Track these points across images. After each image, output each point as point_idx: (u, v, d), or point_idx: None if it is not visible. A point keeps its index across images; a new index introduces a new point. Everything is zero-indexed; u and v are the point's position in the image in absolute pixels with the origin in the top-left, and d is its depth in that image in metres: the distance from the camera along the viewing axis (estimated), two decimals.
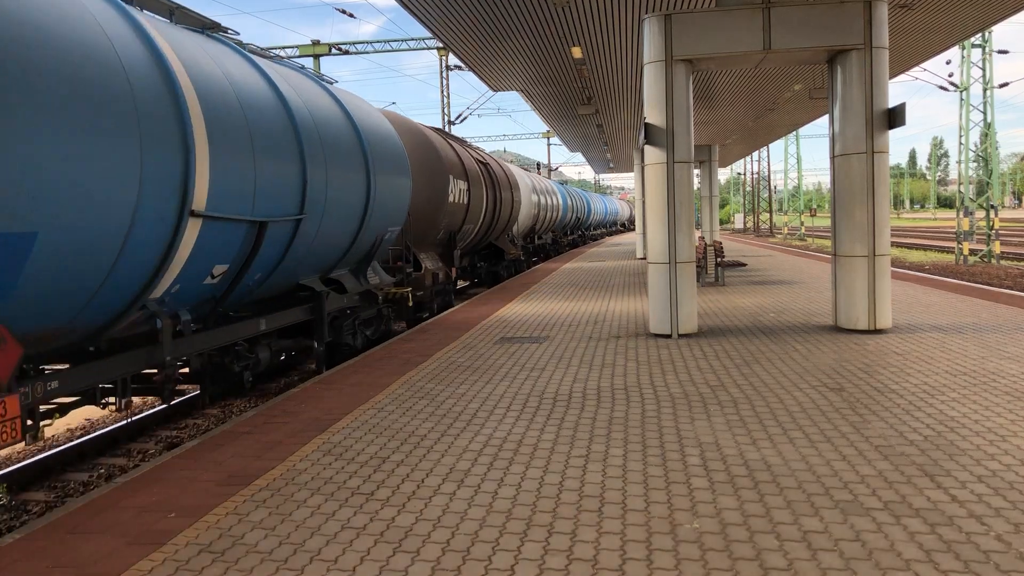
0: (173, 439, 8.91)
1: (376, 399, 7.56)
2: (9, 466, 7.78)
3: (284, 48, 33.99)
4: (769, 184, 72.27)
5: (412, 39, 35.26)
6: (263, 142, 7.62)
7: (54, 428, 9.69)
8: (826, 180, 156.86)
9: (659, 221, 10.86)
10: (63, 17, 5.28)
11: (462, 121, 38.36)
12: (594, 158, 44.05)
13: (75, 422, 10.01)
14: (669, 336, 10.84)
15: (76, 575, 3.87)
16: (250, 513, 4.63)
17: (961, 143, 32.99)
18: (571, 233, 47.06)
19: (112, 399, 7.07)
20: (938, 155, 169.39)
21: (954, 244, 34.82)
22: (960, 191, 33.64)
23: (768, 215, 71.22)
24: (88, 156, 5.16)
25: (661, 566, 3.74)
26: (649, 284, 11.13)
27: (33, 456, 8.33)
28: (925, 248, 43.33)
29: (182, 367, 7.60)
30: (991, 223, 32.29)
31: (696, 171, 32.95)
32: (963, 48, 32.37)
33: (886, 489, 4.65)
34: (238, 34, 8.97)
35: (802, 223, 65.77)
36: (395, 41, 35.57)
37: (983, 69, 32.28)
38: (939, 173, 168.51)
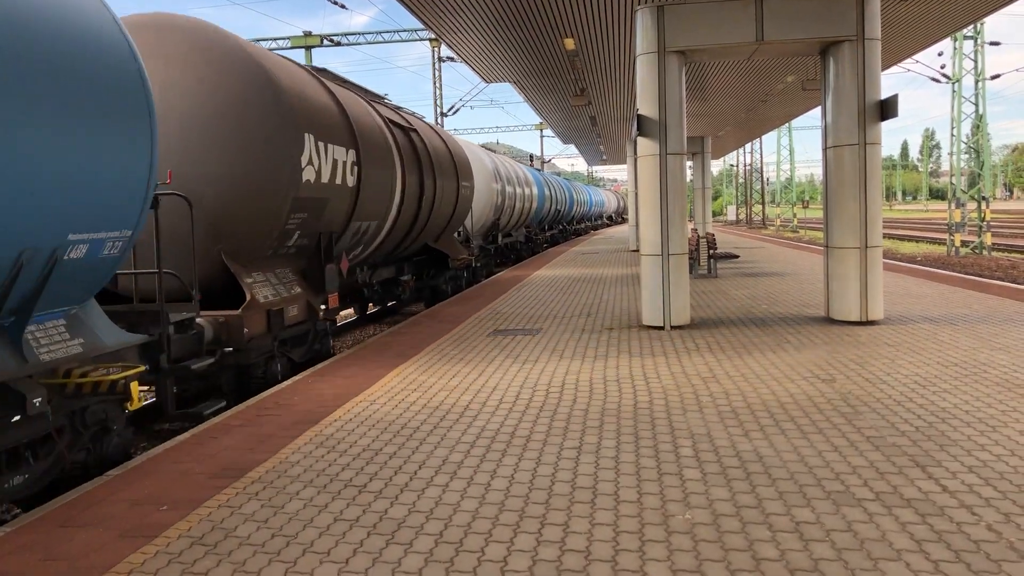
0: (165, 431, 8.88)
1: (369, 391, 7.55)
2: None
3: (276, 40, 33.81)
4: (762, 176, 72.35)
5: (404, 30, 35.11)
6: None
7: None
8: (818, 172, 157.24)
9: (652, 213, 10.86)
10: None
11: (455, 113, 38.23)
12: (587, 150, 44.00)
13: None
14: (662, 328, 10.85)
15: (68, 568, 3.86)
16: (243, 506, 4.63)
17: (953, 135, 33.07)
18: (550, 228, 41.56)
19: None
20: (930, 147, 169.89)
21: (946, 236, 34.93)
22: (952, 183, 33.73)
23: (761, 207, 71.32)
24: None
25: (654, 557, 3.75)
26: (642, 276, 11.13)
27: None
28: (917, 240, 43.47)
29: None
30: (982, 215, 32.40)
31: (689, 163, 32.98)
32: (955, 40, 32.42)
33: (878, 480, 4.67)
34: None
35: (794, 215, 65.86)
36: (387, 32, 35.41)
37: (975, 61, 32.33)
38: (931, 165, 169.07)
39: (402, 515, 4.39)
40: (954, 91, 32.64)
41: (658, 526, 4.11)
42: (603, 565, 3.68)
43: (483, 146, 28.68)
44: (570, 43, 14.95)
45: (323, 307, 9.96)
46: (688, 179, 28.44)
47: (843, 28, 10.37)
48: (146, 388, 8.71)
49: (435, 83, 38.91)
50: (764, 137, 66.23)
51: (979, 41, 32.20)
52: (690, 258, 17.46)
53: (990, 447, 5.20)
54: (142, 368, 5.68)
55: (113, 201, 5.44)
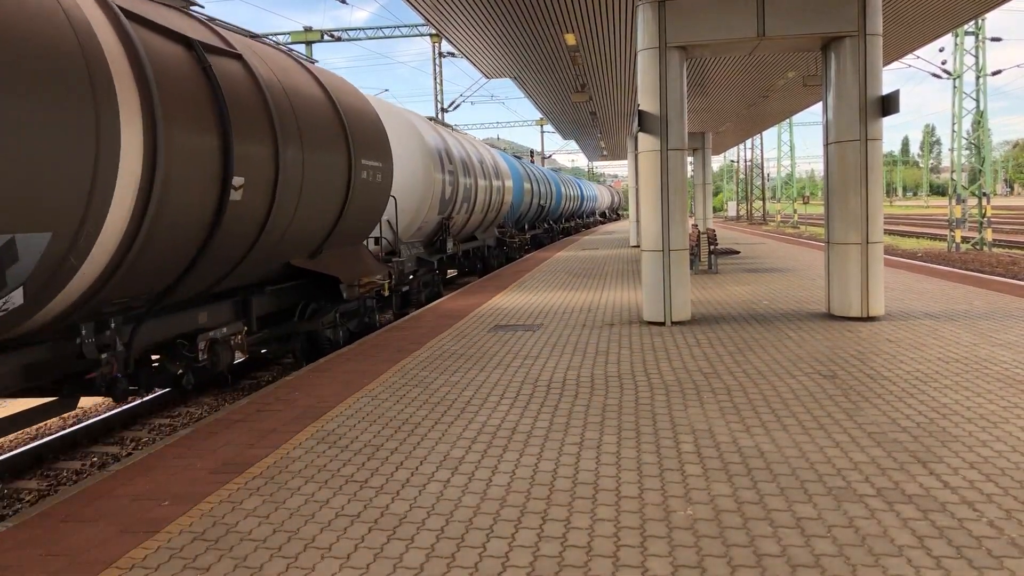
0: (166, 427, 8.89)
1: (370, 387, 7.55)
2: (2, 454, 7.76)
3: (276, 35, 33.76)
4: (762, 172, 72.29)
5: (405, 25, 35.08)
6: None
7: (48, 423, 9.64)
8: (819, 168, 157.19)
9: (652, 209, 10.85)
10: None
11: (455, 108, 38.20)
12: (588, 146, 43.96)
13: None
14: (662, 324, 10.85)
15: (69, 563, 3.86)
16: (244, 501, 4.63)
17: (954, 131, 33.03)
18: (533, 227, 35.04)
19: None
20: (931, 143, 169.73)
21: (946, 232, 34.91)
22: (953, 179, 33.70)
23: (761, 203, 71.29)
24: None
25: (655, 552, 3.75)
26: (642, 272, 11.13)
27: (26, 445, 8.31)
28: (918, 236, 43.45)
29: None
30: (983, 211, 32.38)
31: (689, 159, 32.93)
32: (956, 35, 32.36)
33: (879, 476, 4.67)
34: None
35: (795, 211, 65.83)
36: (388, 27, 35.37)
37: (976, 56, 32.28)
38: (932, 161, 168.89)
39: (403, 511, 4.39)
40: (955, 87, 32.60)
41: (660, 522, 4.11)
42: (604, 560, 3.68)
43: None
44: (571, 38, 14.93)
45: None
46: (689, 175, 28.33)
47: (844, 23, 10.35)
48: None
49: (436, 79, 38.85)
50: (765, 133, 66.14)
51: (980, 37, 32.15)
52: (691, 254, 17.45)
53: (991, 443, 5.20)
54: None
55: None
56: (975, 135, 33.27)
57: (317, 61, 11.11)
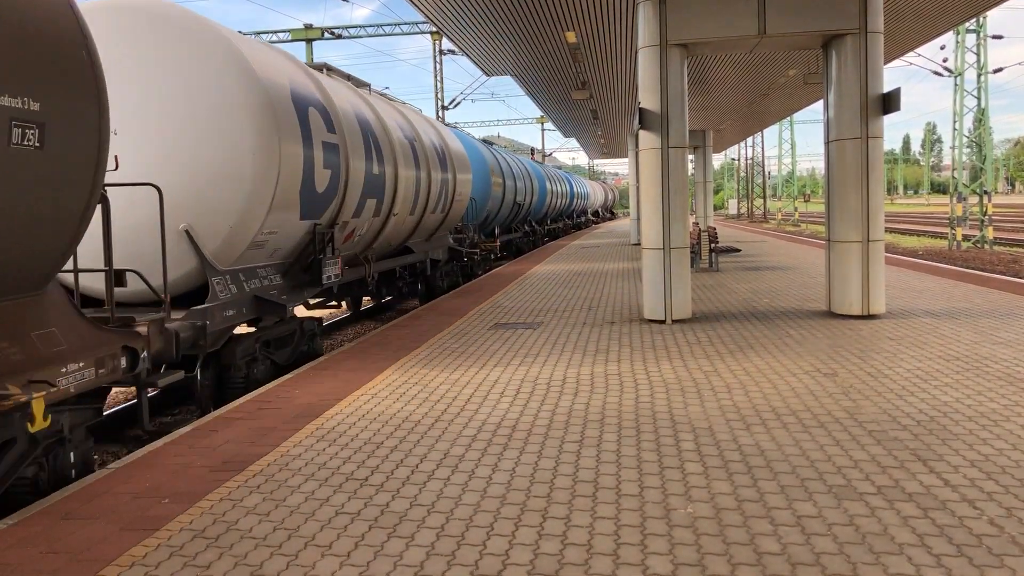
0: (166, 425, 8.89)
1: (370, 384, 7.55)
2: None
3: (276, 32, 33.75)
4: (763, 170, 72.27)
5: (405, 23, 35.05)
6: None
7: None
8: (820, 166, 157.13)
9: (653, 206, 10.84)
10: None
11: (456, 106, 38.18)
12: (588, 143, 43.95)
13: None
14: (663, 322, 10.85)
15: (69, 561, 3.86)
16: (244, 499, 4.63)
17: (955, 129, 33.01)
18: (510, 231, 28.50)
19: None
20: (932, 141, 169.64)
21: (947, 230, 34.90)
22: (954, 177, 33.68)
23: (762, 201, 71.26)
24: None
25: (655, 550, 3.75)
26: (643, 270, 11.12)
27: None
28: (919, 234, 43.43)
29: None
30: (984, 209, 32.36)
31: (690, 156, 32.92)
32: (958, 33, 32.33)
33: (879, 474, 4.67)
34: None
35: (796, 209, 65.80)
36: (388, 25, 35.35)
37: (978, 54, 32.25)
38: (933, 159, 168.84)
39: (404, 509, 4.39)
40: (956, 85, 32.58)
41: (660, 519, 4.11)
42: (604, 559, 3.68)
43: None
44: (572, 36, 14.92)
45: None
46: (689, 173, 28.29)
47: (846, 21, 10.33)
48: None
49: (436, 76, 38.83)
50: (766, 131, 66.14)
51: (982, 34, 32.12)
52: (691, 252, 17.45)
53: (992, 441, 5.19)
54: None
55: None
56: (976, 133, 33.25)
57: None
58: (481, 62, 17.77)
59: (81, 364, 5.24)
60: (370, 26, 34.88)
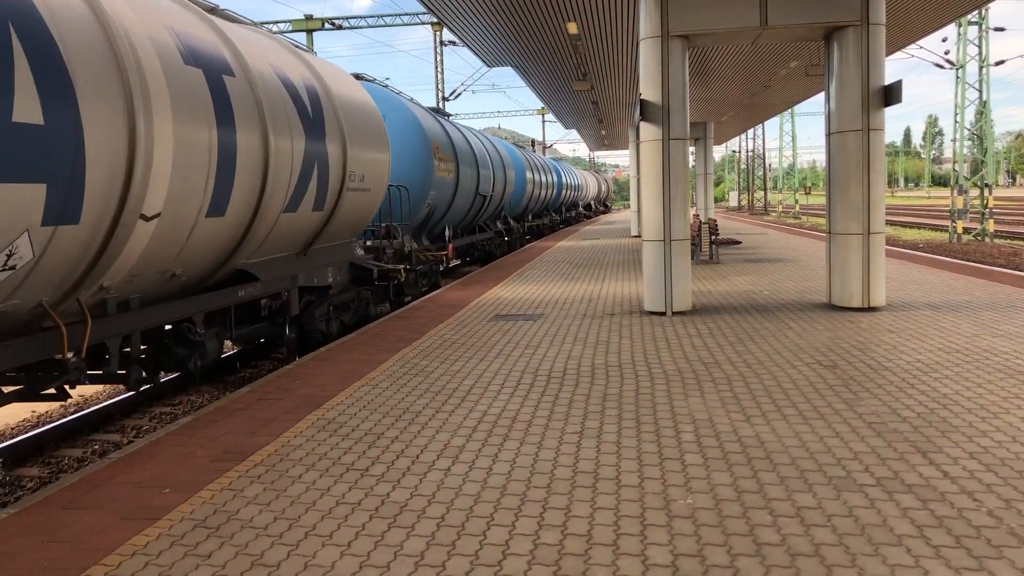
0: (167, 415, 8.90)
1: (371, 376, 7.56)
2: (4, 441, 7.78)
3: (277, 23, 33.65)
4: (764, 162, 72.17)
5: (406, 14, 34.95)
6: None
7: (47, 405, 9.67)
8: (820, 158, 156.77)
9: (654, 198, 10.83)
10: None
11: (456, 97, 38.11)
12: (589, 135, 43.87)
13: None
14: (663, 314, 10.85)
15: (70, 550, 3.87)
16: (245, 489, 4.64)
17: (956, 121, 32.95)
18: (475, 229, 22.20)
19: None
20: (933, 133, 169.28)
21: (948, 222, 34.87)
22: (955, 169, 33.64)
23: (763, 193, 71.19)
24: None
25: (655, 541, 3.75)
26: (643, 262, 11.12)
27: (28, 432, 8.32)
28: (919, 226, 43.39)
29: None
30: (985, 202, 32.33)
31: (691, 148, 32.86)
32: (959, 25, 32.23)
33: (879, 465, 4.67)
34: None
35: (796, 201, 65.73)
36: (389, 16, 35.24)
37: (979, 47, 32.16)
38: (934, 151, 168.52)
39: (404, 499, 4.40)
40: (958, 77, 32.49)
41: (659, 510, 4.12)
42: (604, 549, 3.69)
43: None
44: (573, 27, 14.87)
45: None
46: (690, 165, 28.19)
47: (847, 13, 10.30)
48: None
49: (437, 67, 38.74)
50: (767, 123, 66.01)
51: (983, 27, 32.01)
52: (692, 244, 17.44)
53: (991, 433, 5.20)
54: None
55: None
56: (978, 126, 33.18)
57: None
58: (482, 53, 17.73)
59: None
60: (371, 16, 34.76)
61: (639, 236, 29.43)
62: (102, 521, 4.23)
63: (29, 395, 6.35)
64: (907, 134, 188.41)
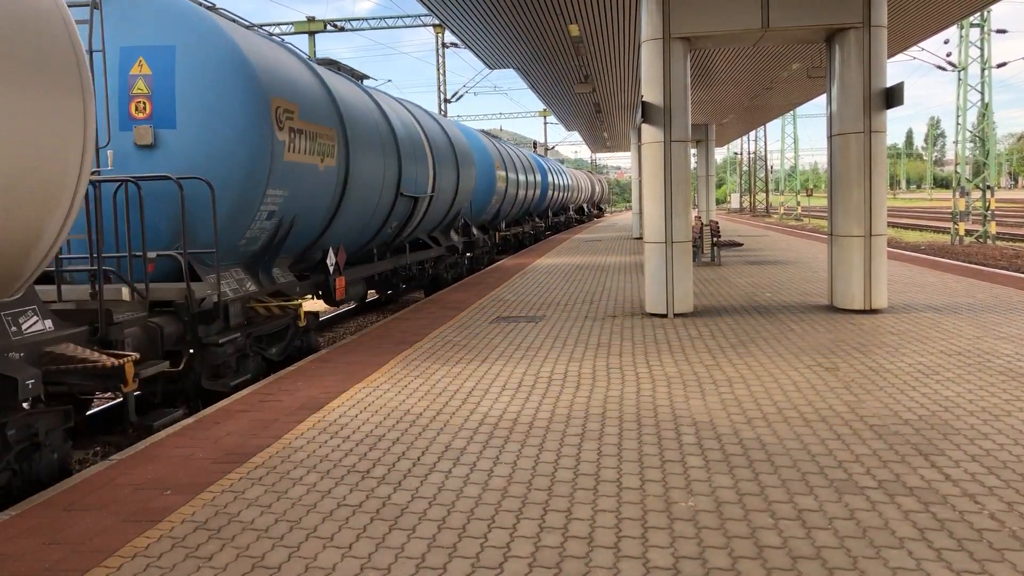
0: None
1: (372, 378, 7.56)
2: None
3: (279, 25, 33.67)
4: (765, 164, 72.16)
5: (408, 16, 34.96)
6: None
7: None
8: (822, 160, 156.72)
9: (656, 200, 10.83)
10: None
11: (458, 99, 38.13)
12: (591, 137, 43.87)
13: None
14: (665, 315, 10.84)
15: (72, 552, 3.87)
16: (246, 491, 4.64)
17: (958, 123, 32.93)
18: (420, 243, 16.08)
19: None
20: (935, 135, 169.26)
21: (950, 224, 34.84)
22: (957, 172, 33.61)
23: (764, 195, 71.16)
24: None
25: (656, 543, 3.75)
26: (645, 263, 11.12)
27: None
28: (921, 228, 43.36)
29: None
30: (987, 203, 32.29)
31: (693, 150, 32.85)
32: (961, 28, 32.22)
33: (880, 468, 4.67)
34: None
35: (798, 203, 65.70)
36: (391, 18, 35.25)
37: (981, 49, 32.14)
38: (935, 153, 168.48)
39: (405, 501, 4.40)
40: (960, 79, 32.48)
41: (661, 513, 4.11)
42: (605, 551, 3.69)
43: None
44: (574, 29, 14.88)
45: None
46: (692, 167, 28.13)
47: (849, 15, 10.30)
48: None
49: (439, 69, 38.76)
50: (768, 125, 66.00)
51: (985, 29, 32.00)
52: (694, 246, 17.44)
53: (993, 436, 5.19)
54: None
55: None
56: (979, 128, 33.16)
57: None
58: (484, 55, 17.74)
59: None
60: (373, 18, 34.79)
61: (640, 238, 29.42)
62: (103, 523, 4.23)
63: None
64: (909, 136, 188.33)
